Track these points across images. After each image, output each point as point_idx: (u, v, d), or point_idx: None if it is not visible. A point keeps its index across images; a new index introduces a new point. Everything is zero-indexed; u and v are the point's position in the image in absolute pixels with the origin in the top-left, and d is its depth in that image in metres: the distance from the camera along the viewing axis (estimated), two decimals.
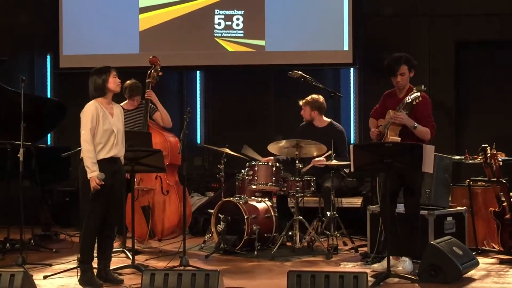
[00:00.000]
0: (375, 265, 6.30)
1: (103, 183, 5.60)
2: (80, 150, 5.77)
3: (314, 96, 7.68)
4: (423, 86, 6.02)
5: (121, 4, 10.01)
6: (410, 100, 5.96)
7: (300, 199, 7.20)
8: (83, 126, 5.71)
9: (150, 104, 7.46)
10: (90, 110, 5.72)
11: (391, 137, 6.03)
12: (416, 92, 5.95)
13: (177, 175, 7.49)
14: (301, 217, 7.10)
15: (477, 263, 6.19)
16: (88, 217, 5.72)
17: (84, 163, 5.65)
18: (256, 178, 7.22)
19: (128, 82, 7.52)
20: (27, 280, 5.12)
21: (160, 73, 7.50)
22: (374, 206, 6.77)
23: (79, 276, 5.74)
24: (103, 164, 5.69)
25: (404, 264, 6.03)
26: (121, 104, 7.55)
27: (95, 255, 5.85)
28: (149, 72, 7.49)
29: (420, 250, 5.97)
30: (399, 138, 6.01)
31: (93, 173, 5.60)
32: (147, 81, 7.47)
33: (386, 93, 6.41)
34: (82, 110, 5.77)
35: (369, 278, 5.32)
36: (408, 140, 5.97)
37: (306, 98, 7.69)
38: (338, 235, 7.25)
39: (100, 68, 5.87)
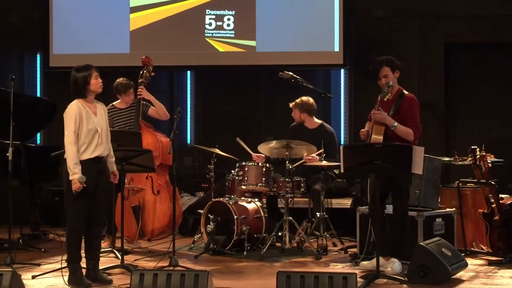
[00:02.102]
0: (365, 262, 6.32)
1: (85, 185, 5.58)
2: None
3: (304, 98, 7.69)
4: (390, 82, 6.09)
5: (111, 4, 9.98)
6: (380, 99, 6.06)
7: (290, 199, 7.21)
8: (67, 127, 5.68)
9: (142, 101, 7.46)
10: (73, 111, 5.69)
11: (374, 136, 6.08)
12: (386, 91, 6.03)
13: (168, 175, 7.48)
14: (291, 218, 7.11)
15: (466, 264, 6.21)
16: (72, 217, 5.72)
17: (67, 164, 5.64)
18: (246, 178, 7.22)
19: (117, 80, 7.54)
20: (16, 280, 5.11)
21: (152, 73, 7.52)
22: (364, 207, 6.78)
23: (67, 276, 5.72)
24: (88, 164, 5.68)
25: (393, 265, 6.04)
26: (114, 103, 7.57)
27: (83, 255, 5.84)
28: (141, 72, 7.49)
29: (409, 251, 5.98)
30: (381, 138, 6.05)
31: (75, 176, 5.59)
32: (139, 81, 7.47)
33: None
34: (65, 111, 5.74)
35: (358, 279, 5.33)
36: (392, 141, 6.02)
37: (296, 101, 7.71)
38: (327, 236, 7.26)
39: (82, 67, 5.82)
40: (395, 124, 6.04)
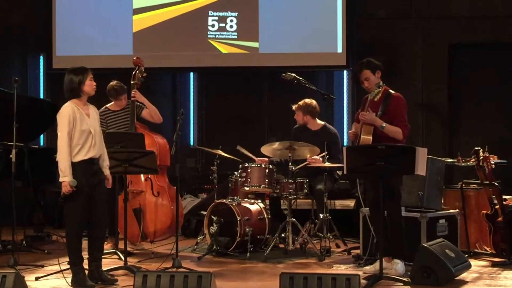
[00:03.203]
0: (367, 267, 6.30)
1: (75, 189, 5.57)
2: None
3: (307, 100, 7.69)
4: (381, 82, 6.12)
5: (114, 5, 10.00)
6: (370, 99, 6.08)
7: (293, 201, 7.20)
8: (60, 128, 5.66)
9: (136, 103, 7.44)
10: (67, 112, 5.67)
11: (363, 136, 6.11)
12: (376, 90, 6.07)
13: (167, 176, 7.48)
14: (294, 219, 7.10)
15: (469, 266, 6.19)
16: (70, 219, 5.71)
17: (59, 166, 5.61)
18: (249, 180, 7.21)
19: (111, 83, 7.51)
20: (19, 281, 5.11)
21: (145, 74, 7.47)
22: (367, 209, 6.76)
23: (70, 278, 5.71)
24: (82, 165, 5.67)
25: (397, 266, 6.03)
26: (108, 105, 7.55)
27: (86, 256, 5.83)
28: (133, 73, 7.44)
29: (412, 252, 5.97)
30: (371, 138, 6.08)
31: (66, 178, 5.57)
32: (132, 82, 7.42)
33: (365, 97, 6.46)
34: (59, 112, 5.72)
35: (362, 280, 5.33)
36: (381, 140, 6.04)
37: (299, 103, 7.70)
38: (330, 237, 7.25)
39: (77, 68, 5.81)
40: (384, 125, 6.06)
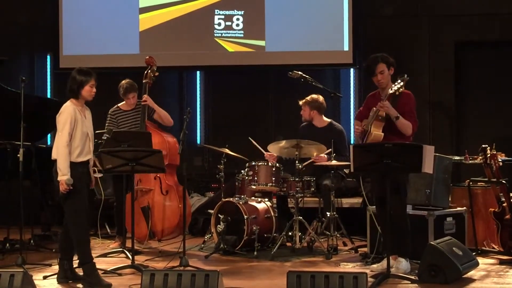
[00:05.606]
0: (374, 266, 6.30)
1: (72, 188, 5.60)
2: None
3: (314, 96, 7.70)
4: (405, 75, 6.09)
5: (121, 4, 10.00)
6: (393, 91, 6.04)
7: (300, 199, 7.20)
8: (62, 128, 5.69)
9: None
10: (69, 113, 5.71)
11: (374, 132, 6.07)
12: (400, 83, 6.02)
13: (176, 175, 7.49)
14: (301, 218, 7.10)
15: (477, 264, 6.19)
16: (76, 215, 5.71)
17: (58, 165, 5.64)
18: (256, 178, 7.21)
19: (122, 81, 7.53)
20: (27, 280, 5.12)
21: (157, 73, 7.49)
22: (373, 207, 6.76)
23: (87, 279, 5.72)
24: (83, 165, 5.76)
25: (399, 265, 6.02)
26: (119, 105, 7.57)
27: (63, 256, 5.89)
28: (145, 72, 7.47)
29: (419, 250, 5.97)
30: (382, 133, 6.05)
31: (64, 177, 5.60)
32: (143, 81, 7.45)
33: (370, 95, 6.45)
34: (60, 112, 5.76)
35: (369, 279, 5.33)
36: (391, 136, 6.03)
37: (306, 98, 7.71)
38: (337, 235, 7.25)
39: (84, 70, 5.87)
40: (398, 115, 6.04)
